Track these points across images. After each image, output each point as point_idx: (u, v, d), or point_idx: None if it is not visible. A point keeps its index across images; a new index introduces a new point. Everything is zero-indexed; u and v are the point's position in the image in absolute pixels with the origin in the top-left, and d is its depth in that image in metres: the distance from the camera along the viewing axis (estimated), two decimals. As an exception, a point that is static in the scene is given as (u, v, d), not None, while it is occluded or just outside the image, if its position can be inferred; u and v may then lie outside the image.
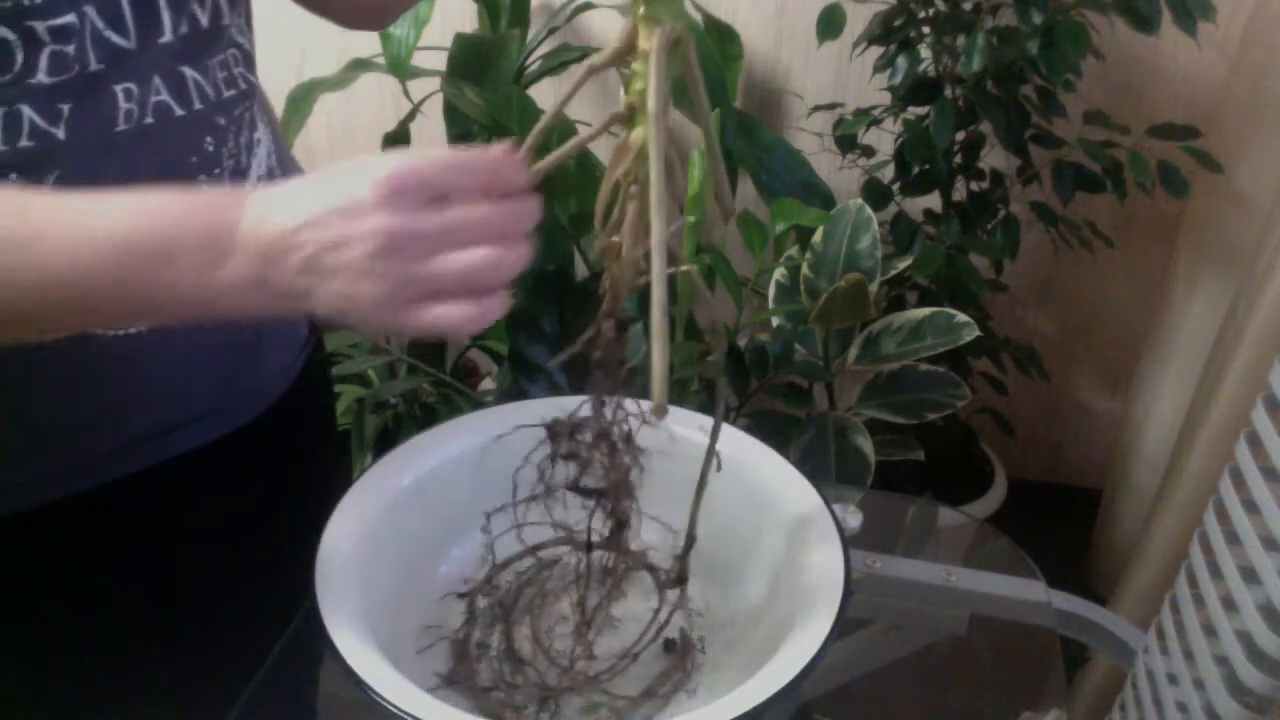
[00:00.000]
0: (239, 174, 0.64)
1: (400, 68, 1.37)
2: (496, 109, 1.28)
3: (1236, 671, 0.78)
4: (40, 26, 0.51)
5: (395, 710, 0.51)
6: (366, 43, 1.45)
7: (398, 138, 1.56)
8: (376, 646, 0.55)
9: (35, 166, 0.53)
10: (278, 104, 1.45)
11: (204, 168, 0.61)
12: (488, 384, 1.80)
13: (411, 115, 1.54)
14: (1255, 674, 0.76)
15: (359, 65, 1.51)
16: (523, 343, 1.21)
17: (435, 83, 1.39)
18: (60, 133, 0.54)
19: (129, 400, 0.61)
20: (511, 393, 1.26)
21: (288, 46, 1.81)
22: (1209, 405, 1.34)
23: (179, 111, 0.59)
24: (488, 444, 0.69)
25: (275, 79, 1.51)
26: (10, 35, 0.50)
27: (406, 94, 1.45)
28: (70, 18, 0.52)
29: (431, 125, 1.49)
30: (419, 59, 1.39)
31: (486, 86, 1.34)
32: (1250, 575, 0.78)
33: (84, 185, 0.54)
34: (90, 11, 0.53)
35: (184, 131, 0.59)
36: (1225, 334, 1.40)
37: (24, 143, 0.53)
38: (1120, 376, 1.85)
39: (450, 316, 0.47)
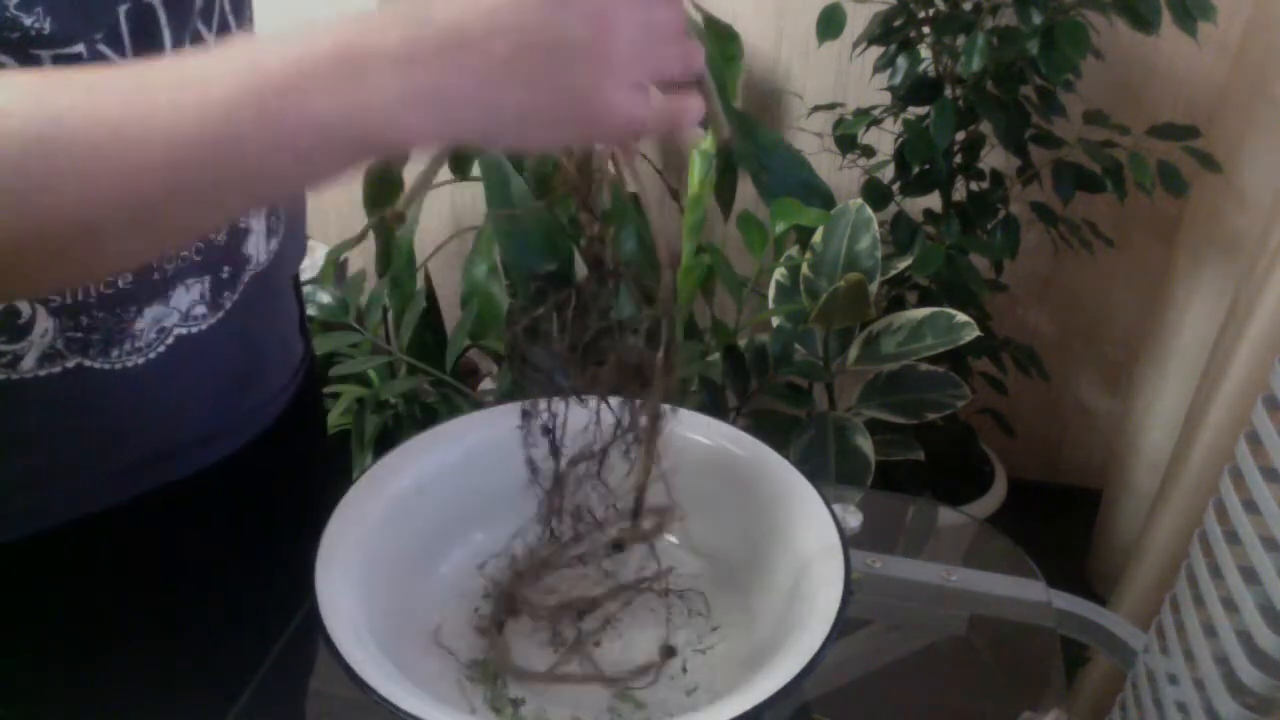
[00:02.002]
0: None
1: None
2: (496, 109, 1.27)
3: (1236, 671, 0.78)
4: (46, 55, 0.48)
5: (395, 710, 0.51)
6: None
7: (398, 138, 1.56)
8: (376, 646, 0.56)
9: None
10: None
11: None
12: (488, 384, 1.81)
13: (411, 115, 1.54)
14: (1255, 674, 0.76)
15: (359, 65, 1.51)
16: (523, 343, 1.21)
17: (435, 83, 1.39)
18: None
19: (127, 430, 0.60)
20: (511, 393, 1.25)
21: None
22: (1209, 405, 1.34)
23: None
24: (489, 444, 0.69)
25: (275, 79, 1.52)
26: (10, 61, 0.47)
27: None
28: (79, 48, 0.48)
29: (431, 125, 1.49)
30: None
31: (486, 86, 1.34)
32: (1250, 575, 0.78)
33: None
34: (98, 38, 0.49)
35: None
36: (1225, 334, 1.40)
37: None
38: (1120, 376, 1.85)
39: (664, 109, 0.44)
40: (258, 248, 0.64)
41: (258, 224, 0.64)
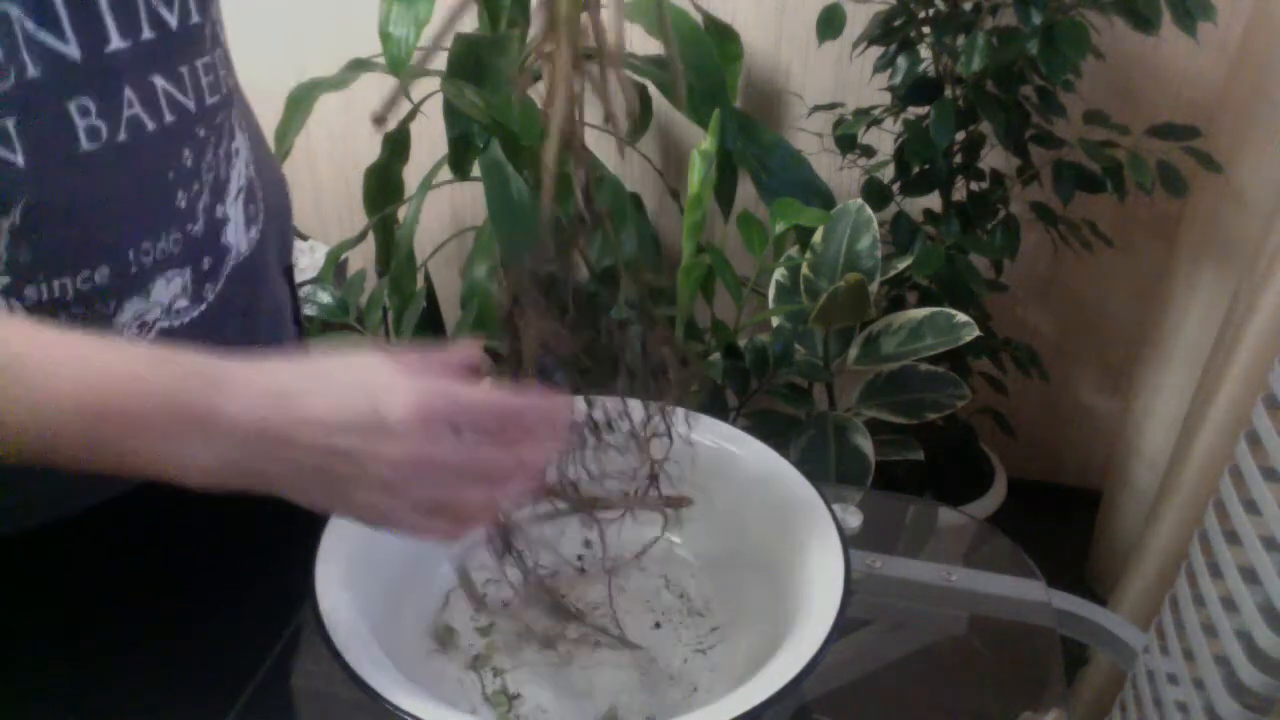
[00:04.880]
0: (219, 188, 0.62)
1: (400, 68, 1.37)
2: (496, 109, 1.28)
3: (1236, 671, 0.78)
4: None
5: (396, 710, 0.51)
6: (366, 43, 1.45)
7: (398, 138, 1.56)
8: (377, 646, 0.56)
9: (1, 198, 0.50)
10: (278, 104, 1.45)
11: (182, 183, 0.58)
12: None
13: (412, 115, 1.54)
14: (1255, 674, 0.76)
15: (359, 65, 1.51)
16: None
17: (435, 83, 1.39)
18: (18, 158, 0.50)
19: None
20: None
21: (287, 47, 1.81)
22: (1209, 405, 1.34)
23: (150, 126, 0.55)
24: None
25: (275, 80, 1.51)
26: None
27: (407, 94, 1.46)
28: None
29: (431, 125, 1.49)
30: (419, 59, 1.39)
31: (486, 86, 1.34)
32: (1250, 575, 0.78)
33: (56, 214, 0.52)
34: (14, 11, 0.48)
35: (158, 147, 0.56)
36: (1225, 334, 1.40)
37: None
38: (1120, 376, 1.85)
39: (441, 533, 0.50)
40: (237, 237, 0.63)
41: (235, 213, 0.63)
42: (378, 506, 0.48)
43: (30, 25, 0.49)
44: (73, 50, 0.51)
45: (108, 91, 0.53)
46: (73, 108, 0.51)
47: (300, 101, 1.47)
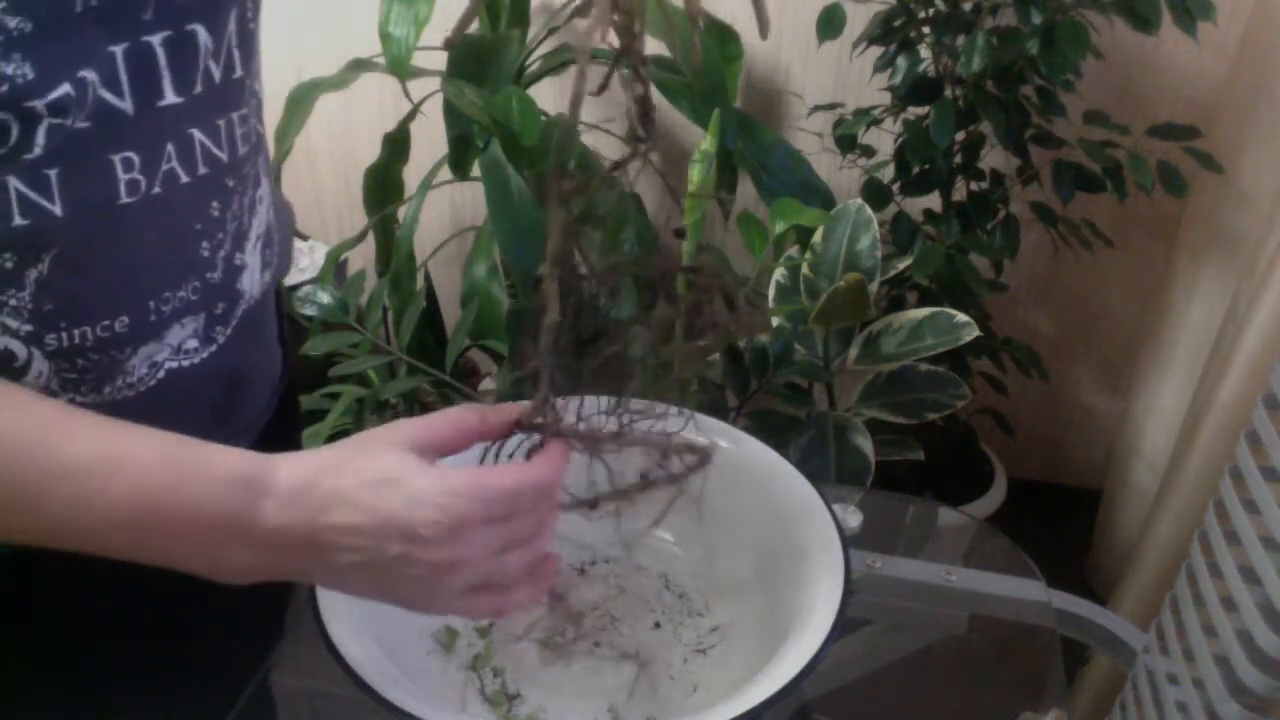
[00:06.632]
0: (240, 236, 0.61)
1: (400, 68, 1.37)
2: (496, 109, 1.28)
3: (1236, 671, 0.78)
4: (40, 105, 0.47)
5: (395, 710, 0.51)
6: (366, 43, 1.45)
7: (398, 138, 1.56)
8: (376, 646, 0.56)
9: (30, 245, 0.50)
10: (278, 105, 1.45)
11: (207, 234, 0.58)
12: (488, 384, 1.80)
13: (411, 115, 1.54)
14: (1255, 674, 0.76)
15: (359, 65, 1.51)
16: (523, 343, 1.20)
17: (435, 83, 1.39)
18: (56, 208, 0.50)
19: None
20: (511, 393, 1.25)
21: (287, 47, 1.81)
22: (1209, 405, 1.34)
23: (184, 179, 0.55)
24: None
25: (275, 80, 1.51)
26: (8, 118, 0.47)
27: (406, 94, 1.46)
28: (65, 89, 0.47)
29: (431, 125, 1.49)
30: (419, 59, 1.40)
31: (486, 86, 1.34)
32: (1250, 575, 0.78)
33: (83, 265, 0.52)
34: (89, 74, 0.49)
35: (189, 199, 0.56)
36: (1225, 334, 1.40)
37: (17, 221, 0.49)
38: (1120, 376, 1.85)
39: (487, 609, 0.52)
40: (252, 282, 0.64)
41: (253, 259, 0.63)
42: (420, 599, 0.50)
43: (98, 83, 0.49)
44: (127, 105, 0.51)
45: (152, 145, 0.53)
46: (117, 160, 0.52)
47: (300, 101, 1.47)
